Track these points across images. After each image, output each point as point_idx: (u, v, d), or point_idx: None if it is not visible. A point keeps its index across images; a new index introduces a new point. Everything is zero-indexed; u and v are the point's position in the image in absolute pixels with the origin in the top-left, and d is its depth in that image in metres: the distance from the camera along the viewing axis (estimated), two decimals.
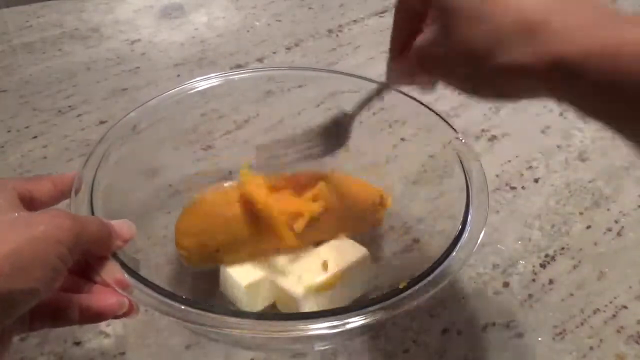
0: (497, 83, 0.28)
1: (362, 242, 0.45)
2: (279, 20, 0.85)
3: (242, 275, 0.42)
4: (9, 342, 0.30)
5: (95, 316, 0.32)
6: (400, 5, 0.33)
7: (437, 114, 0.45)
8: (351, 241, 0.44)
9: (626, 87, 0.22)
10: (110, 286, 0.32)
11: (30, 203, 0.33)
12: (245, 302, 0.41)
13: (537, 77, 0.25)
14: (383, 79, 0.38)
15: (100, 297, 0.32)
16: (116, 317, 0.32)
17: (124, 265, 0.33)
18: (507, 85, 0.28)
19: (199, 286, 0.45)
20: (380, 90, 0.38)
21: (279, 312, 0.42)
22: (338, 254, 0.42)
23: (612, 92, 0.23)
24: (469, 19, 0.27)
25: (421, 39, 0.31)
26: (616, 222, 0.53)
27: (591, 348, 0.43)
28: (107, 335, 0.43)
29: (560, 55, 0.24)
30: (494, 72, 0.27)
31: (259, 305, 0.42)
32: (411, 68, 0.33)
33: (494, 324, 0.45)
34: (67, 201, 0.37)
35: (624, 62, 0.22)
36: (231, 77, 0.50)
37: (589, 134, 0.64)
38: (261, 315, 0.33)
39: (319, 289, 0.40)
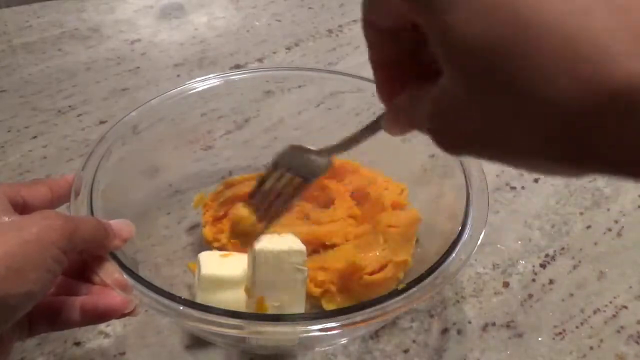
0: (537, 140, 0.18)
1: None
2: (279, 20, 0.84)
3: (208, 265, 0.40)
4: (9, 347, 0.30)
5: (100, 316, 0.32)
6: (368, 30, 0.24)
7: None
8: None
9: None
10: (109, 287, 0.32)
11: (24, 208, 0.33)
12: (200, 296, 0.40)
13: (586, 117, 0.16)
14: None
15: (105, 296, 0.32)
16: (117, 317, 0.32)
17: (123, 266, 0.33)
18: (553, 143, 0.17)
19: None
20: (371, 129, 0.29)
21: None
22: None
23: None
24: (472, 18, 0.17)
25: (404, 99, 0.23)
26: (616, 222, 0.53)
27: (591, 348, 0.43)
28: (107, 335, 0.43)
29: (619, 85, 0.15)
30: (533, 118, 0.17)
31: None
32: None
33: (494, 324, 0.45)
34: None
35: None
36: (231, 77, 0.50)
37: None
38: (260, 316, 0.34)
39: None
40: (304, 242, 0.39)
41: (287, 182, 0.34)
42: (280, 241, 0.38)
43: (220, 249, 0.46)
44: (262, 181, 0.34)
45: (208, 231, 0.47)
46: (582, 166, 0.17)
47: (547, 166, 0.19)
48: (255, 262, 0.37)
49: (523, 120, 0.17)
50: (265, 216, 0.35)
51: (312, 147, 0.32)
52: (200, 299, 0.41)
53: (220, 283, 0.40)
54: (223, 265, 0.41)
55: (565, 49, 0.15)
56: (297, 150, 0.33)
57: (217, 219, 0.48)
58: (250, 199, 0.35)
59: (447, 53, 0.18)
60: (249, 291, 0.38)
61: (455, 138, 0.21)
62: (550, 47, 0.16)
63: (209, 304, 0.39)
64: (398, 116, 0.26)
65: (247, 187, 0.48)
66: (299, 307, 0.38)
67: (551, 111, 0.16)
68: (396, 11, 0.22)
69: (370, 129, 0.29)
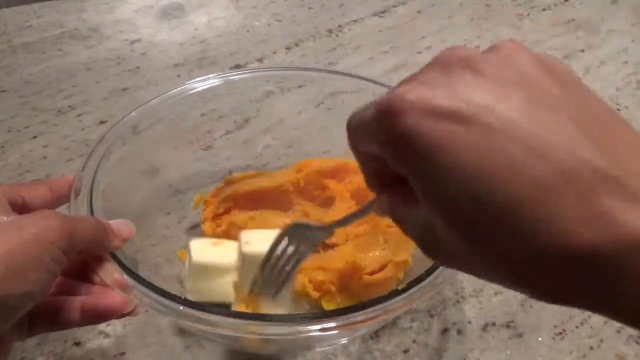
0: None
1: None
2: (279, 20, 0.84)
3: (198, 252, 0.41)
4: (9, 347, 0.30)
5: (100, 316, 0.32)
6: (353, 148, 0.25)
7: None
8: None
9: None
10: (109, 287, 0.32)
11: (23, 208, 0.33)
12: (189, 286, 0.41)
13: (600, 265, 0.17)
14: (382, 80, 0.36)
15: (105, 296, 0.32)
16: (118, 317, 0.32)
17: (123, 266, 0.33)
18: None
19: None
20: (365, 211, 0.31)
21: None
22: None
23: None
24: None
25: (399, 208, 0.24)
26: None
27: (591, 348, 0.43)
28: (107, 335, 0.43)
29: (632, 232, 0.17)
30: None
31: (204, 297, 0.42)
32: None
33: (494, 324, 0.45)
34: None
35: None
36: (231, 77, 0.50)
37: None
38: (260, 316, 0.33)
39: None
40: None
41: (292, 253, 0.36)
42: (265, 238, 0.38)
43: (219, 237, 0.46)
44: (270, 251, 0.37)
45: (207, 227, 0.48)
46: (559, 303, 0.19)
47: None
48: (244, 263, 0.39)
49: (501, 265, 0.19)
50: (274, 282, 0.38)
51: (313, 224, 0.35)
52: (190, 287, 0.41)
53: (211, 271, 0.41)
54: (214, 253, 0.42)
55: (530, 221, 0.18)
56: (300, 227, 0.36)
57: (216, 216, 0.48)
58: (261, 268, 0.38)
59: (437, 218, 0.20)
60: (237, 288, 0.39)
61: (441, 258, 0.23)
62: (520, 218, 0.18)
63: (200, 291, 0.40)
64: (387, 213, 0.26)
65: (248, 185, 0.48)
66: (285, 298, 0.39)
67: (524, 264, 0.19)
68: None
69: (368, 210, 0.31)
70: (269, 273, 0.38)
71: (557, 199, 0.17)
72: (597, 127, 0.19)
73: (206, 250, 0.42)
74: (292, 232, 0.36)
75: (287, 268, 0.37)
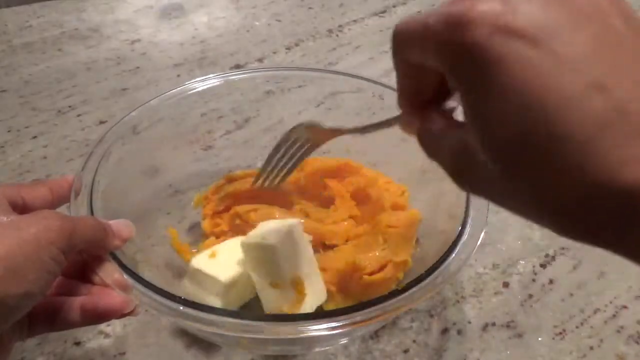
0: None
1: None
2: (279, 20, 0.84)
3: (219, 272, 0.40)
4: (9, 347, 0.30)
5: (100, 316, 0.32)
6: (397, 60, 0.24)
7: None
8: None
9: None
10: (109, 287, 0.32)
11: (23, 209, 0.33)
12: (222, 302, 0.40)
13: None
14: (382, 80, 0.36)
15: (105, 297, 0.32)
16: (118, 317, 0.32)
17: (123, 266, 0.33)
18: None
19: None
20: (387, 124, 0.30)
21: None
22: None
23: None
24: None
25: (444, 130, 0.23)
26: None
27: (591, 348, 0.43)
28: (107, 335, 0.43)
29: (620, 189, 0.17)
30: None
31: (237, 302, 0.42)
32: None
33: (494, 324, 0.45)
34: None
35: None
36: (231, 77, 0.50)
37: None
38: (260, 317, 0.34)
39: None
40: None
41: (300, 145, 0.38)
42: (279, 224, 0.39)
43: (218, 235, 0.47)
44: (279, 144, 0.38)
45: (207, 224, 0.48)
46: (589, 242, 0.19)
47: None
48: (274, 256, 0.38)
49: (538, 199, 0.19)
50: (278, 174, 0.40)
51: (323, 125, 0.35)
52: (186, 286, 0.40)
53: (204, 282, 0.40)
54: (212, 265, 0.41)
55: (579, 156, 0.18)
56: (310, 125, 0.36)
57: (216, 213, 0.48)
58: (267, 162, 0.40)
59: (481, 141, 0.20)
60: (278, 284, 0.39)
61: (471, 184, 0.22)
62: (568, 153, 0.18)
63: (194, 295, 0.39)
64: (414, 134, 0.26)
65: (249, 184, 0.48)
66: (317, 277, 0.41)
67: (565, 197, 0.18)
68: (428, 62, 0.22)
69: (386, 124, 0.30)
70: (275, 164, 0.39)
71: (608, 137, 0.17)
72: None
73: (220, 267, 0.41)
74: (302, 129, 0.37)
75: (292, 161, 0.38)
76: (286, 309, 0.39)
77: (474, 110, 0.20)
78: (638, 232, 0.18)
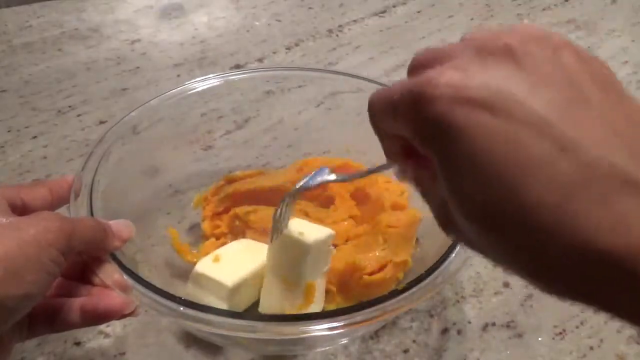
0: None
1: None
2: (279, 20, 0.84)
3: (224, 276, 0.39)
4: (9, 348, 0.30)
5: (100, 317, 0.32)
6: (375, 129, 0.25)
7: None
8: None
9: None
10: (109, 288, 0.32)
11: (23, 210, 0.33)
12: (227, 306, 0.39)
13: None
14: (382, 80, 0.36)
15: (105, 297, 0.32)
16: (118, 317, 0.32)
17: (122, 266, 0.33)
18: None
19: None
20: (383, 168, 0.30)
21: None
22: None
23: None
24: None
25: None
26: None
27: (591, 348, 0.43)
28: (107, 335, 0.43)
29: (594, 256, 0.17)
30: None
31: (242, 306, 0.42)
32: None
33: (494, 324, 0.45)
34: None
35: None
36: (231, 77, 0.50)
37: None
38: (260, 317, 0.34)
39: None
40: None
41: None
42: (313, 227, 0.40)
43: (218, 237, 0.47)
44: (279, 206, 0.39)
45: (207, 226, 0.48)
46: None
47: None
48: (304, 255, 0.38)
49: (516, 256, 0.19)
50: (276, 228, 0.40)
51: (314, 184, 0.36)
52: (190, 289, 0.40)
53: (208, 285, 0.40)
54: (216, 268, 0.41)
55: (552, 221, 0.17)
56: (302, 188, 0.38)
57: (216, 214, 0.48)
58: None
59: (455, 206, 0.20)
60: (291, 284, 0.39)
61: (454, 235, 0.23)
62: (541, 219, 0.18)
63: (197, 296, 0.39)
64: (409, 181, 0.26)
65: (249, 184, 0.48)
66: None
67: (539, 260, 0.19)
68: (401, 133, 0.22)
69: (383, 168, 0.30)
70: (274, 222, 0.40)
71: (579, 200, 0.17)
72: (631, 132, 0.18)
73: (224, 271, 0.41)
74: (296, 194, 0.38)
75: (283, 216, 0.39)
76: (287, 311, 0.39)
77: (446, 180, 0.20)
78: (621, 295, 0.17)
